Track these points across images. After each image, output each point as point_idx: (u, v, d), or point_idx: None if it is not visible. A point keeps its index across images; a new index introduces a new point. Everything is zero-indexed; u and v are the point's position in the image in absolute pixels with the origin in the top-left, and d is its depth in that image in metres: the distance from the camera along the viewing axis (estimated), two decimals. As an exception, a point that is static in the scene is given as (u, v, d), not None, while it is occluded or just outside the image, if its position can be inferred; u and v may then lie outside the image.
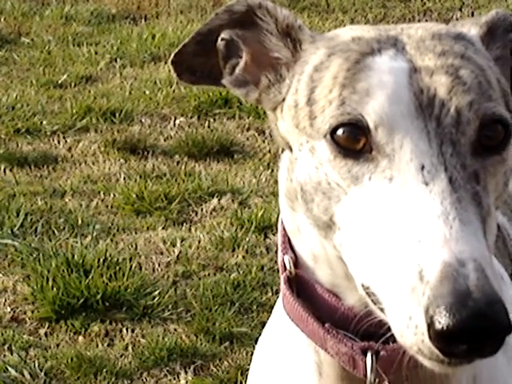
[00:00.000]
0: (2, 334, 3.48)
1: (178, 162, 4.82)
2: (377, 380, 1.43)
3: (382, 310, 1.32)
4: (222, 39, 1.51)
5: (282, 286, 1.50)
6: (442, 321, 1.21)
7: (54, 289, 3.60)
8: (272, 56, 1.49)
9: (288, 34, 1.48)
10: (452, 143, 1.32)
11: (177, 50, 1.52)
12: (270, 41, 1.49)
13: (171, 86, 5.76)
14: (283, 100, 1.47)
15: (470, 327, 1.21)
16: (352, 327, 1.45)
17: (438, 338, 1.22)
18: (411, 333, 1.25)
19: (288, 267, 1.50)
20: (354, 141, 1.35)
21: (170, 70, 6.04)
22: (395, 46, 1.39)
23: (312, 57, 1.45)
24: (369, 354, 1.43)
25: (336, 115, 1.36)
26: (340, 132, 1.35)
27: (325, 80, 1.40)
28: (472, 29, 1.48)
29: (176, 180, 4.59)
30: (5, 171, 4.72)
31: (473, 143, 1.34)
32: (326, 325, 1.46)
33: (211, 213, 4.32)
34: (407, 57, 1.38)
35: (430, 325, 1.22)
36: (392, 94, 1.34)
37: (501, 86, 1.41)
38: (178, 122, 5.33)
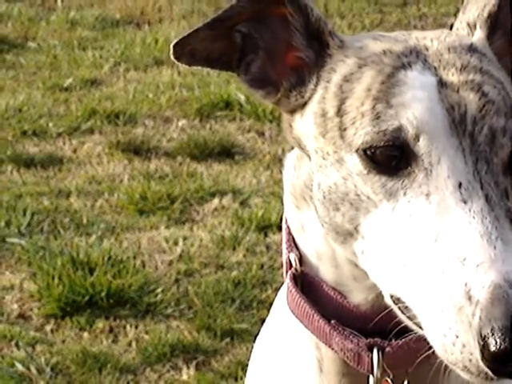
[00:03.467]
0: (10, 331, 3.50)
1: (180, 163, 4.82)
2: (379, 376, 1.45)
3: (416, 323, 1.33)
4: (239, 31, 1.44)
5: (288, 284, 1.48)
6: (498, 343, 1.21)
7: (60, 286, 3.62)
8: (295, 56, 1.44)
9: (317, 36, 1.43)
10: (486, 161, 1.31)
11: (186, 35, 1.44)
12: (297, 39, 1.43)
13: (174, 90, 5.74)
14: (305, 104, 1.43)
15: None
16: (357, 325, 1.45)
17: (493, 359, 1.23)
18: (457, 351, 1.25)
19: (294, 265, 1.48)
20: (390, 158, 1.33)
21: (172, 74, 6.00)
22: (419, 59, 1.37)
23: (340, 64, 1.41)
24: (375, 351, 1.43)
25: (371, 133, 1.33)
26: (379, 151, 1.33)
27: (357, 91, 1.37)
28: (478, 29, 1.45)
29: (178, 180, 4.59)
30: (12, 172, 4.72)
31: (504, 163, 1.34)
32: (332, 322, 1.45)
33: (212, 212, 4.33)
34: (433, 71, 1.36)
35: (484, 346, 1.22)
36: (428, 108, 1.32)
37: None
38: (180, 124, 5.32)
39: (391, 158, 1.33)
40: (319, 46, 1.43)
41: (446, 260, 1.27)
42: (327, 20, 1.45)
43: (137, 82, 5.96)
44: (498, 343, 1.21)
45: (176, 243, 4.07)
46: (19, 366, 3.30)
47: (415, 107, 1.32)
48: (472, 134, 1.32)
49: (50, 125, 5.28)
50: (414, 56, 1.37)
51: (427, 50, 1.38)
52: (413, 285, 1.30)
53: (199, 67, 1.48)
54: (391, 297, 1.35)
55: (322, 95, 1.41)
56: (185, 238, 4.10)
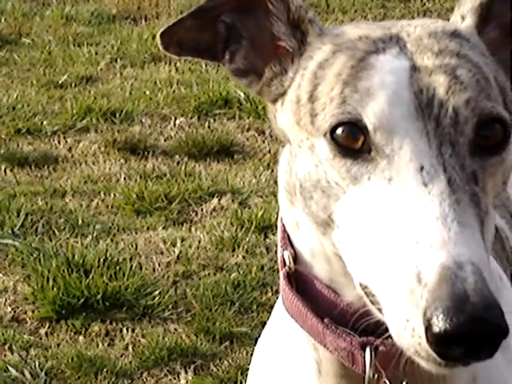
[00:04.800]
0: (3, 334, 3.48)
1: (178, 162, 4.82)
2: (375, 376, 1.43)
3: (380, 310, 1.32)
4: (223, 21, 1.47)
5: (282, 282, 1.50)
6: (440, 324, 1.20)
7: (55, 289, 3.60)
8: (278, 45, 1.46)
9: (298, 24, 1.45)
10: (451, 144, 1.31)
11: (171, 24, 1.48)
12: (279, 28, 1.46)
13: (171, 87, 5.75)
14: (284, 93, 1.45)
15: (468, 331, 1.21)
16: (351, 323, 1.45)
17: (436, 341, 1.22)
18: (408, 335, 1.25)
19: (287, 263, 1.49)
20: (353, 140, 1.34)
21: (170, 71, 6.06)
22: (398, 44, 1.38)
23: (317, 52, 1.43)
24: (368, 350, 1.43)
25: (336, 114, 1.35)
26: (339, 131, 1.34)
27: (328, 77, 1.39)
28: (468, 17, 1.45)
29: (176, 180, 4.59)
30: (5, 171, 4.71)
31: (471, 143, 1.33)
32: (325, 320, 1.45)
33: (211, 213, 4.32)
34: (408, 55, 1.37)
35: (428, 328, 1.22)
36: (393, 95, 1.33)
37: (498, 83, 1.39)
38: (178, 122, 5.32)
39: (354, 140, 1.34)
40: (301, 34, 1.45)
41: (403, 243, 1.27)
42: (310, 9, 1.48)
43: (133, 79, 5.98)
44: (441, 324, 1.20)
45: (174, 244, 4.05)
46: (13, 371, 3.28)
47: (379, 95, 1.33)
48: (438, 117, 1.32)
49: (45, 123, 5.28)
50: (394, 42, 1.38)
51: (409, 36, 1.39)
52: (375, 270, 1.31)
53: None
54: (360, 285, 1.36)
55: (298, 83, 1.43)
56: (183, 239, 4.09)
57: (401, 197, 1.29)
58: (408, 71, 1.35)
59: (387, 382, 1.43)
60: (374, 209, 1.32)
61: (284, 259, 1.50)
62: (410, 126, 1.32)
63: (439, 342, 1.22)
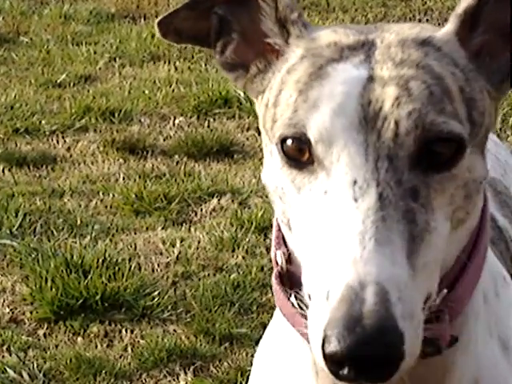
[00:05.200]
0: (1, 335, 3.47)
1: (177, 162, 4.81)
2: None
3: None
4: (216, 13, 1.47)
5: (273, 281, 1.49)
6: (331, 345, 1.21)
7: (53, 289, 3.59)
8: (265, 42, 1.45)
9: (284, 24, 1.43)
10: (389, 158, 1.28)
11: (167, 14, 1.50)
12: (267, 25, 1.45)
13: (170, 86, 5.74)
14: (263, 91, 1.44)
15: (356, 354, 1.20)
16: None
17: (327, 360, 1.23)
18: (313, 347, 1.26)
19: (280, 262, 1.48)
20: (300, 152, 1.33)
21: (169, 70, 6.07)
22: (367, 52, 1.35)
23: (291, 55, 1.41)
24: None
25: (285, 125, 1.33)
26: (289, 142, 1.33)
27: (289, 83, 1.37)
28: (449, 22, 1.40)
29: (175, 180, 4.59)
30: (3, 171, 4.70)
31: (412, 157, 1.29)
32: None
33: (211, 213, 4.32)
34: (371, 65, 1.33)
35: (322, 346, 1.23)
36: (337, 106, 1.30)
37: (465, 95, 1.34)
38: (177, 121, 5.32)
39: (299, 152, 1.33)
40: (287, 34, 1.43)
41: (325, 258, 1.27)
42: (299, 9, 1.45)
43: (132, 78, 5.97)
44: (332, 345, 1.21)
45: (173, 245, 4.05)
46: (11, 372, 3.27)
47: (323, 107, 1.31)
48: (380, 130, 1.29)
49: (43, 122, 5.27)
50: (363, 49, 1.35)
51: (382, 42, 1.36)
52: (310, 281, 1.31)
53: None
54: (308, 294, 1.35)
55: (272, 84, 1.42)
56: (182, 240, 4.08)
57: (332, 210, 1.28)
58: (362, 82, 1.31)
59: None
60: (311, 221, 1.31)
61: (276, 259, 1.49)
62: (349, 138, 1.29)
63: (330, 362, 1.23)
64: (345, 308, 1.20)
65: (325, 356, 1.22)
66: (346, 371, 1.22)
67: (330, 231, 1.27)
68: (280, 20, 1.43)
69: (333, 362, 1.22)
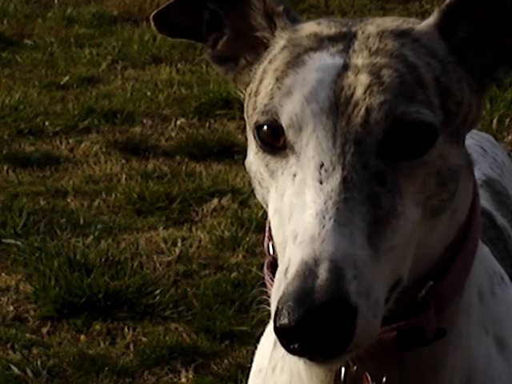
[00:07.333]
0: (5, 333, 3.48)
1: (178, 163, 4.81)
2: (355, 369, 1.40)
3: None
4: (208, 8, 1.48)
5: (265, 271, 1.48)
6: (281, 318, 1.20)
7: (57, 288, 3.60)
8: (255, 35, 1.46)
9: (271, 17, 1.44)
10: (356, 143, 1.29)
11: (161, 8, 1.50)
12: (256, 19, 1.46)
13: (172, 88, 5.74)
14: (250, 83, 1.45)
15: (302, 327, 1.19)
16: None
17: (278, 334, 1.22)
18: (272, 323, 1.24)
19: (271, 252, 1.47)
20: (275, 138, 1.34)
21: (171, 72, 6.05)
22: (346, 43, 1.36)
23: (275, 46, 1.42)
24: None
25: (260, 112, 1.35)
26: (265, 128, 1.35)
27: (269, 72, 1.39)
28: (432, 16, 1.40)
29: (177, 180, 4.59)
30: (8, 172, 4.71)
31: (380, 143, 1.30)
32: None
33: (212, 213, 4.32)
34: (348, 54, 1.34)
35: (274, 319, 1.22)
36: (309, 93, 1.31)
37: (440, 84, 1.34)
38: (178, 122, 5.31)
39: (275, 138, 1.34)
40: (274, 27, 1.44)
41: (288, 238, 1.28)
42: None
43: (134, 80, 5.97)
44: (281, 318, 1.20)
45: (175, 244, 4.05)
46: (15, 369, 3.28)
47: (296, 93, 1.32)
48: (350, 116, 1.30)
49: (47, 123, 5.27)
50: (344, 40, 1.36)
51: (362, 34, 1.37)
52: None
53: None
54: None
55: (256, 75, 1.43)
56: (183, 239, 4.09)
57: (298, 193, 1.29)
58: (336, 69, 1.32)
59: (368, 376, 1.41)
60: (282, 203, 1.32)
61: (269, 249, 1.49)
62: (318, 123, 1.30)
63: (282, 335, 1.21)
64: (297, 283, 1.20)
65: (276, 330, 1.21)
66: (296, 345, 1.21)
67: (295, 212, 1.28)
68: (267, 13, 1.44)
69: (284, 335, 1.21)
